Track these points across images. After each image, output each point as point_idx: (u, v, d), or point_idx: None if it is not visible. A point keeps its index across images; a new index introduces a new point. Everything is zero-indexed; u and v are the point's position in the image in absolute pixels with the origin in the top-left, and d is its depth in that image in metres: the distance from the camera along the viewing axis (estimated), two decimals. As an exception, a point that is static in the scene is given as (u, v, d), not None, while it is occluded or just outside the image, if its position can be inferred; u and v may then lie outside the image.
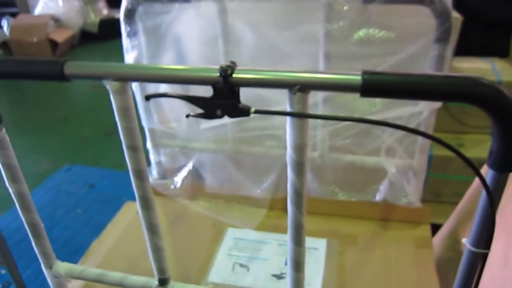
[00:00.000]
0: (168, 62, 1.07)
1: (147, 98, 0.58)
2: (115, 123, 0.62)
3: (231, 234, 1.16)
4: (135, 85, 1.12)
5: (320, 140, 1.08)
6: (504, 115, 0.48)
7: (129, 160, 0.64)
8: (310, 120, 1.05)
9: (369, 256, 1.08)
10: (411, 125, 1.00)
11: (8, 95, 3.50)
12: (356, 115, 1.01)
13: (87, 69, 0.59)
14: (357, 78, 0.49)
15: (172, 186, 1.26)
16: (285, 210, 1.22)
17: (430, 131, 1.00)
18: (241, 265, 1.06)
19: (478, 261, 0.59)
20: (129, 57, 1.06)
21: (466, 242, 0.59)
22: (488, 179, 0.53)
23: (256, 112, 0.54)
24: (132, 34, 1.05)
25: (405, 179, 1.08)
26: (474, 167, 0.51)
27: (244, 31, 1.02)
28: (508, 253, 0.90)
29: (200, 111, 0.57)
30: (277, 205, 1.21)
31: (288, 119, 0.54)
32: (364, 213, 1.17)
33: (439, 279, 1.03)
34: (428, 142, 1.03)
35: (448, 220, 1.21)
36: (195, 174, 1.26)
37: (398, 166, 1.07)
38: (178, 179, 1.25)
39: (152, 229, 0.71)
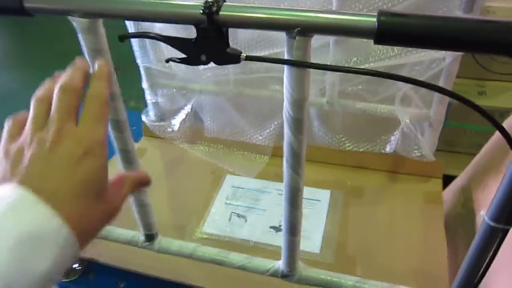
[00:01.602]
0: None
1: (121, 39, 0.49)
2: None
3: (229, 181, 1.11)
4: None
5: (329, 85, 0.99)
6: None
7: (106, 109, 0.57)
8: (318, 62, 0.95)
9: (374, 210, 1.02)
10: (432, 72, 0.90)
11: (11, 28, 3.37)
12: (371, 59, 0.91)
13: (50, 2, 0.49)
14: (371, 20, 0.39)
15: (170, 129, 1.19)
16: (289, 158, 1.16)
17: (452, 79, 0.90)
18: (238, 216, 1.02)
19: (496, 237, 0.52)
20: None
21: (484, 215, 0.52)
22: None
23: (248, 58, 0.45)
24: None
25: (419, 130, 1.00)
26: (502, 129, 0.43)
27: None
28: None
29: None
30: (280, 152, 1.13)
31: (285, 68, 0.45)
32: (372, 164, 1.10)
33: (448, 236, 0.97)
34: (449, 88, 0.93)
35: (462, 173, 1.14)
36: (195, 117, 1.18)
37: (413, 116, 0.98)
38: (176, 121, 1.18)
39: (136, 183, 0.65)
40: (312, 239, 0.95)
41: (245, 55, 0.45)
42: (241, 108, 1.11)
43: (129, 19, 0.49)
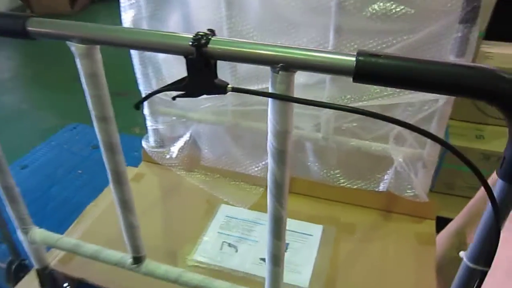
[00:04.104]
0: (172, 25, 1.00)
1: (137, 107, 0.53)
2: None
3: (223, 211, 1.11)
4: (133, 47, 1.05)
5: (324, 121, 1.01)
6: (523, 117, 0.40)
7: (99, 132, 0.59)
8: (314, 98, 0.97)
9: (366, 248, 1.01)
10: (426, 113, 0.91)
11: (25, 48, 3.47)
12: (365, 97, 0.93)
13: (51, 27, 0.52)
14: (350, 59, 0.41)
15: (168, 156, 1.21)
16: (283, 191, 1.16)
17: (445, 121, 0.92)
18: (229, 245, 1.02)
19: (475, 278, 0.52)
20: (127, 16, 0.99)
21: (463, 255, 0.52)
22: (496, 190, 0.45)
23: (234, 90, 0.47)
24: (131, -8, 0.97)
25: (413, 170, 1.00)
26: (479, 175, 0.44)
27: (250, -4, 0.93)
28: (515, 262, 0.83)
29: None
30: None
31: (269, 101, 0.47)
32: (366, 202, 1.10)
33: (441, 279, 0.96)
34: (442, 131, 0.94)
35: (456, 217, 1.13)
36: (193, 145, 1.20)
37: (407, 156, 0.99)
38: (175, 149, 1.20)
39: (125, 205, 0.66)
40: (301, 273, 0.95)
41: (231, 86, 0.47)
42: (238, 139, 1.13)
43: (124, 47, 0.51)
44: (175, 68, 1.08)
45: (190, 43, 0.45)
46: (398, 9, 0.80)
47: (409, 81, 0.41)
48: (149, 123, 1.20)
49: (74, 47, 0.51)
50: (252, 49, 0.45)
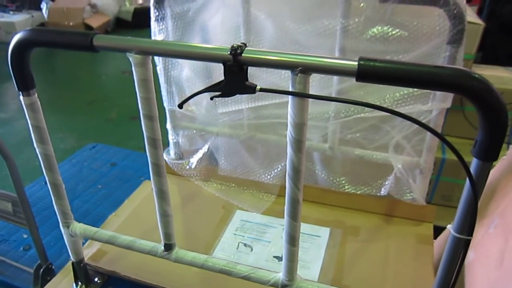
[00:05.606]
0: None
1: (180, 106, 0.64)
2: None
3: (239, 216, 1.22)
4: (159, 68, 1.19)
5: (331, 132, 1.12)
6: (490, 106, 0.52)
7: (145, 129, 0.70)
8: (322, 111, 1.09)
9: (369, 247, 1.11)
10: (420, 123, 1.03)
11: (43, 75, 3.65)
12: (367, 109, 1.05)
13: (114, 42, 0.65)
14: (354, 64, 0.53)
15: (187, 167, 1.32)
16: (293, 198, 1.26)
17: (439, 129, 1.03)
18: (245, 245, 1.12)
19: (461, 247, 0.62)
20: (156, 39, 1.13)
21: (450, 228, 0.63)
22: (472, 168, 0.56)
23: (262, 90, 0.59)
24: (160, 19, 1.11)
25: (411, 176, 1.11)
26: (458, 154, 0.55)
27: (265, 22, 1.07)
28: (504, 254, 0.92)
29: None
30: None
31: (290, 98, 0.59)
32: (369, 207, 1.20)
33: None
34: (436, 141, 1.06)
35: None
36: (210, 157, 1.32)
37: (405, 163, 1.10)
38: (194, 160, 1.31)
39: (162, 195, 0.77)
40: (311, 269, 1.04)
41: (259, 87, 0.59)
42: (252, 150, 1.25)
43: (175, 57, 0.62)
44: (196, 86, 1.20)
45: (229, 52, 0.57)
46: (394, 32, 0.94)
47: (400, 78, 0.53)
48: (170, 136, 1.32)
49: (132, 57, 0.64)
50: (277, 56, 0.57)
